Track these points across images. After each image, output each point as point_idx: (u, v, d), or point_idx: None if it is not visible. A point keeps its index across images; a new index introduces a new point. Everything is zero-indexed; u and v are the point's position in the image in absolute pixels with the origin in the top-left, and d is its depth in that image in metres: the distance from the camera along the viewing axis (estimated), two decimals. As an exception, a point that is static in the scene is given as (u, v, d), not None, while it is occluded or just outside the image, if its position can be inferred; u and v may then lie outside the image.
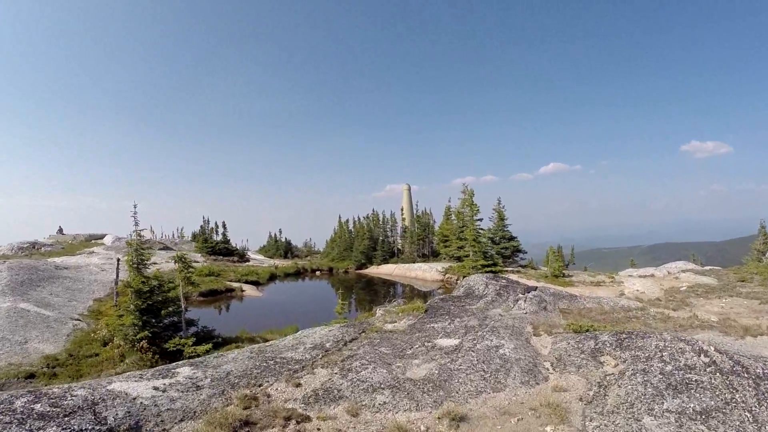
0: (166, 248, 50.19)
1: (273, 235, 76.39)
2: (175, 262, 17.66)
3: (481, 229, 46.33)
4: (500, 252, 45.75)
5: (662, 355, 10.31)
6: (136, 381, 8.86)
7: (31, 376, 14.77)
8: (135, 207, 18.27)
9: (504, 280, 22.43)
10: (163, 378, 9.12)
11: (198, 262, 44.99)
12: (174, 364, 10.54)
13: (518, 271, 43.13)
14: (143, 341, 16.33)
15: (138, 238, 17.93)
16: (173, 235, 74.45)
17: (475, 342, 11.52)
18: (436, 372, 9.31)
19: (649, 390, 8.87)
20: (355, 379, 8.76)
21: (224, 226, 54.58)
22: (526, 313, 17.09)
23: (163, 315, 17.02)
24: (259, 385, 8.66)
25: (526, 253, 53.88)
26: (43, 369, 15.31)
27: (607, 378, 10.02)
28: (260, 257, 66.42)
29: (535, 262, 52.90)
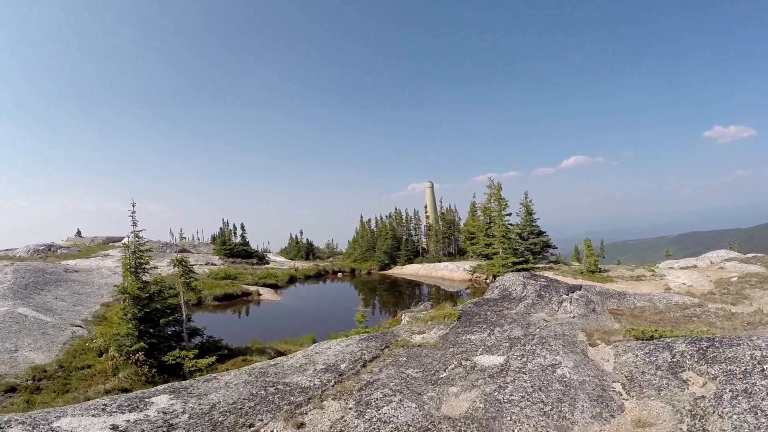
0: (183, 251, 49.09)
1: (294, 237, 74.93)
2: (174, 265, 15.84)
3: (510, 224, 43.72)
4: (529, 248, 43.06)
5: (763, 369, 7.89)
6: (93, 415, 6.92)
7: (12, 389, 13.14)
8: (133, 206, 16.54)
9: (543, 279, 19.96)
10: (130, 411, 7.16)
11: (215, 264, 43.69)
12: (153, 389, 8.58)
13: (550, 268, 40.29)
14: (139, 353, 14.55)
15: (136, 239, 16.19)
16: (193, 237, 73.86)
17: (524, 359, 9.22)
18: (481, 406, 7.07)
19: (763, 420, 6.49)
20: (375, 419, 6.58)
21: (243, 227, 53.20)
22: (573, 317, 14.70)
23: (162, 324, 15.22)
24: (250, 426, 6.59)
25: (556, 248, 51.21)
26: (27, 382, 13.67)
27: (700, 404, 7.63)
28: (281, 259, 65.02)
29: (562, 257, 50.24)
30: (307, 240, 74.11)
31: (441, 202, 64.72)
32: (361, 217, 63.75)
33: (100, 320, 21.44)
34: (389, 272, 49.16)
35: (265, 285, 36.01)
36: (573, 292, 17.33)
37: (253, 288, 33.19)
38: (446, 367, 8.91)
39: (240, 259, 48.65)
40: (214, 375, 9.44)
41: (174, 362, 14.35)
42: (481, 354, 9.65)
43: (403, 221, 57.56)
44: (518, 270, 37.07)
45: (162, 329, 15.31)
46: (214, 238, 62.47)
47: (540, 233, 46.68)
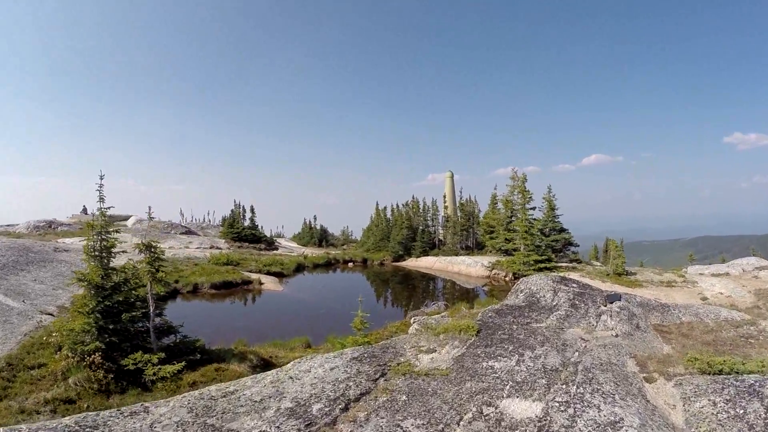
0: (188, 232, 47.26)
1: (307, 222, 72.81)
2: (140, 251, 13.45)
3: (534, 219, 40.73)
4: (550, 245, 40.09)
5: None
6: None
7: (-58, 393, 11.08)
8: (101, 179, 14.16)
9: (575, 285, 17.10)
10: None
11: (220, 248, 41.73)
12: (53, 424, 6.17)
13: (574, 268, 37.26)
14: (96, 354, 12.29)
15: (102, 218, 13.85)
16: (204, 219, 72.31)
17: (571, 410, 6.54)
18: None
19: None
20: None
21: (252, 210, 51.08)
22: (616, 336, 11.94)
23: (124, 319, 12.89)
24: None
25: (578, 246, 48.35)
26: (-40, 385, 11.59)
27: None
28: (293, 245, 63.08)
29: (580, 256, 47.42)
30: (321, 226, 72.00)
31: (461, 192, 61.69)
32: (377, 204, 61.20)
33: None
34: (403, 264, 46.64)
35: (269, 273, 33.81)
36: (612, 303, 14.48)
37: (255, 276, 30.99)
38: (461, 417, 6.29)
39: (247, 244, 46.66)
40: (145, 405, 7.01)
41: (134, 368, 12.07)
42: (509, 396, 6.99)
43: (420, 211, 54.74)
44: (540, 269, 34.22)
45: (125, 325, 13.01)
46: (224, 221, 60.76)
47: (562, 230, 43.89)
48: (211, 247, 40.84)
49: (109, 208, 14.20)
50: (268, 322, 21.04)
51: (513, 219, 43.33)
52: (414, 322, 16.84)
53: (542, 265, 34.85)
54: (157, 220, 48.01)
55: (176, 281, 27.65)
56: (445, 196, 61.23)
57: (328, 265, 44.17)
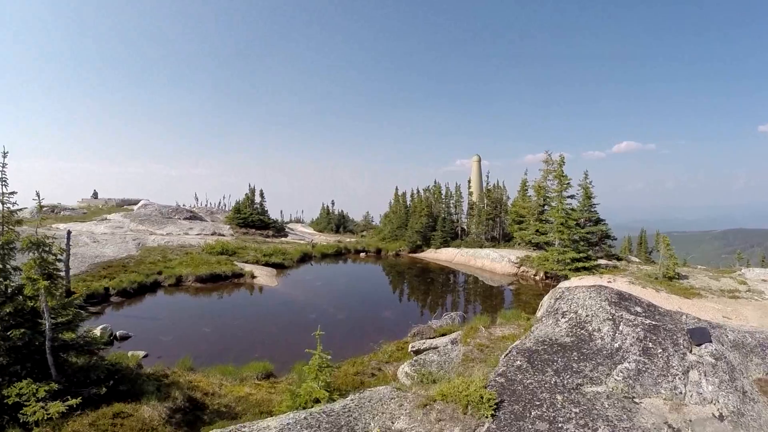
0: (192, 217, 44.35)
1: (325, 207, 69.34)
2: (25, 249, 9.91)
3: (572, 209, 35.77)
4: (585, 237, 35.04)
5: None
6: None
7: None
8: (4, 156, 10.64)
9: (640, 309, 12.67)
10: None
11: (223, 235, 38.70)
12: None
13: (615, 267, 32.28)
14: (-28, 383, 9.01)
15: (2, 207, 10.43)
16: (219, 203, 69.75)
17: None
18: None
19: None
20: None
21: (261, 194, 47.69)
22: (721, 417, 7.77)
23: (13, 336, 9.46)
24: None
25: (616, 239, 43.15)
26: None
27: None
28: (308, 231, 59.93)
29: (614, 250, 42.39)
30: (341, 211, 68.50)
31: (487, 177, 56.70)
32: (396, 189, 57.02)
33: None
34: (420, 255, 42.65)
35: (267, 264, 30.41)
36: (700, 345, 10.19)
37: (249, 268, 27.61)
38: None
39: (254, 230, 43.51)
40: None
41: (13, 402, 8.71)
42: None
43: (443, 197, 50.17)
44: (577, 269, 29.66)
45: (15, 344, 9.60)
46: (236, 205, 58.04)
47: (598, 221, 38.74)
48: (212, 234, 37.86)
49: (12, 193, 10.79)
50: (239, 330, 17.50)
51: (546, 208, 38.59)
52: (411, 348, 12.99)
53: (580, 264, 30.23)
54: (159, 204, 45.38)
55: (159, 272, 24.66)
56: (470, 182, 56.46)
57: (338, 255, 40.62)
